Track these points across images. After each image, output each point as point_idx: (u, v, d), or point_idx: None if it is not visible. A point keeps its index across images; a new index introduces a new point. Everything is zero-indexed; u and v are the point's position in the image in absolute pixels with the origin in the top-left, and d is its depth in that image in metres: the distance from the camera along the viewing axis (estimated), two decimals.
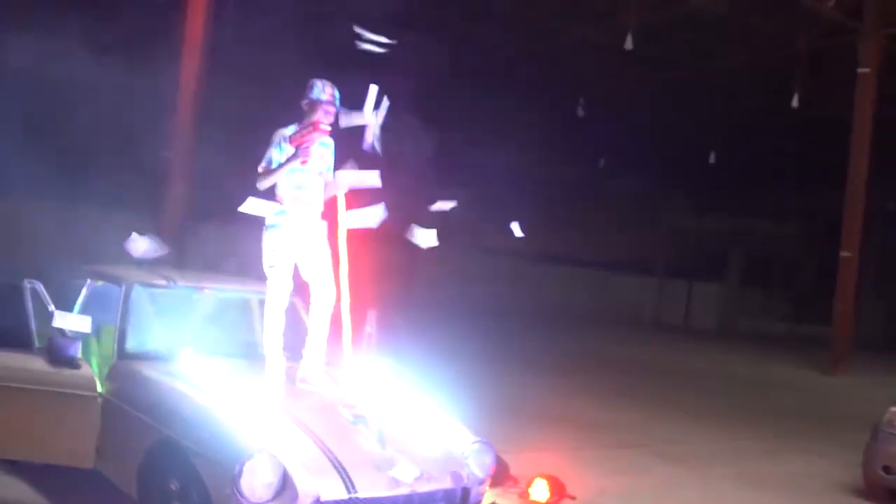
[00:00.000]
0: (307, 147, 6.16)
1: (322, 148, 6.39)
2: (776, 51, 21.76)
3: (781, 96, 21.55)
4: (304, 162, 6.18)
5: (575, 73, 23.13)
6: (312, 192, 6.35)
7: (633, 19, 18.94)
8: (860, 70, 19.65)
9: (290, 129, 6.28)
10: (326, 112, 6.27)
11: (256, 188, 6.28)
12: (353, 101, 6.40)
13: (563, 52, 22.51)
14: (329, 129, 6.28)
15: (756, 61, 22.67)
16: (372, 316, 6.87)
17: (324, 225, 6.41)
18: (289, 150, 6.20)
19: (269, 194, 6.35)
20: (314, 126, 6.19)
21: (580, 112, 23.02)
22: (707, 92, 24.42)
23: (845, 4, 19.61)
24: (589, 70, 22.78)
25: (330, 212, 6.44)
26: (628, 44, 18.25)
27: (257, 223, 6.48)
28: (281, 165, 6.19)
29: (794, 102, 20.44)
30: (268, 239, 6.30)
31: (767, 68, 22.78)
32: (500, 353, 16.12)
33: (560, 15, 21.05)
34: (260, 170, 6.26)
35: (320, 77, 6.42)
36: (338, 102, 6.36)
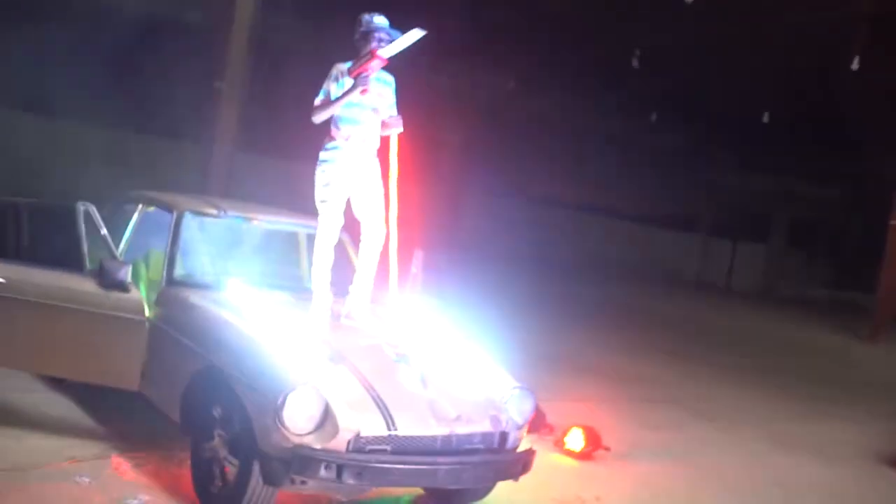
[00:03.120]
0: (366, 77, 6.12)
1: (381, 85, 6.34)
2: (837, 9, 21.30)
3: (839, 57, 21.13)
4: (363, 91, 6.12)
5: (628, 26, 22.79)
6: (368, 128, 6.32)
7: None
8: None
9: (347, 64, 6.23)
10: (380, 40, 6.21)
11: (312, 121, 6.27)
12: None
13: (617, 3, 22.19)
14: (387, 58, 6.21)
15: (815, 19, 22.22)
16: (418, 256, 6.88)
17: (377, 163, 6.40)
18: (348, 83, 6.16)
19: (324, 129, 6.33)
20: (372, 54, 6.14)
21: (634, 63, 22.66)
22: (761, 49, 24.00)
23: None
24: (641, 21, 22.42)
25: (383, 151, 6.43)
26: None
27: (310, 157, 6.48)
28: (339, 98, 6.14)
29: (855, 65, 20.00)
30: (321, 174, 6.29)
31: (826, 27, 22.31)
32: (540, 302, 16.13)
33: None
34: (316, 103, 6.22)
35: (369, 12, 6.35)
36: (390, 30, 6.26)
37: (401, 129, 6.38)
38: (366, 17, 6.29)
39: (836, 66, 21.16)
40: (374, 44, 6.18)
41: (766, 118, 24.81)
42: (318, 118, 6.23)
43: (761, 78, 24.99)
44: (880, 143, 23.44)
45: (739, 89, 25.52)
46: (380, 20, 6.27)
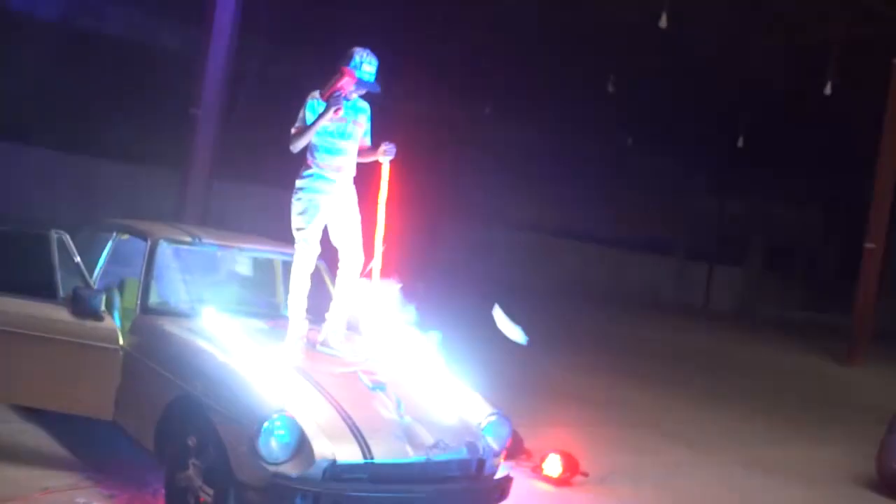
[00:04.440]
0: (339, 96, 6.13)
1: (357, 113, 6.38)
2: (810, 36, 21.52)
3: (812, 82, 21.34)
4: (337, 111, 6.13)
5: (604, 51, 22.96)
6: (344, 156, 6.33)
7: None
8: (895, 60, 19.43)
9: None
10: (349, 82, 6.22)
11: (290, 150, 6.25)
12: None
13: (593, 29, 22.35)
14: (356, 77, 6.20)
15: (789, 45, 22.45)
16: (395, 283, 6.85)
17: (354, 190, 6.40)
18: (321, 108, 6.17)
19: (301, 156, 6.32)
20: (342, 72, 6.15)
21: (610, 88, 22.80)
22: (736, 74, 24.22)
23: None
24: (618, 48, 22.61)
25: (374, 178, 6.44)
26: (663, 22, 18.04)
27: (285, 185, 6.48)
28: (315, 121, 6.13)
29: (827, 90, 20.20)
30: (297, 202, 6.28)
31: (800, 53, 22.54)
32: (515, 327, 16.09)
33: None
34: (293, 131, 6.23)
35: (361, 46, 6.31)
36: (373, 76, 6.27)
37: (393, 157, 6.40)
38: (357, 54, 6.23)
39: (810, 90, 21.36)
40: (346, 64, 6.19)
41: (740, 142, 25.02)
42: (296, 146, 6.22)
43: (737, 102, 25.22)
44: (855, 165, 23.60)
45: (715, 113, 25.73)
46: (368, 69, 6.22)
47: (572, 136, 27.38)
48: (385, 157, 6.41)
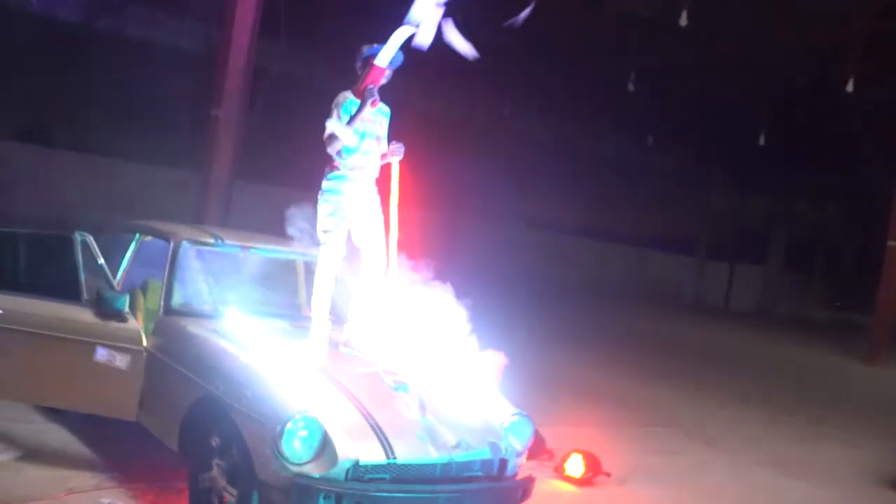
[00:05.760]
0: (373, 88, 6.13)
1: (380, 115, 6.39)
2: (830, 30, 21.39)
3: (832, 77, 21.22)
4: (374, 103, 6.16)
5: (622, 47, 22.88)
6: (370, 157, 6.34)
7: None
8: None
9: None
10: (379, 73, 6.24)
11: (328, 153, 6.26)
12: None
13: (611, 25, 22.28)
14: (387, 65, 6.20)
15: (808, 40, 22.32)
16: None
17: (377, 192, 6.41)
18: (355, 106, 6.17)
19: (324, 156, 6.31)
20: (371, 65, 6.16)
21: (630, 87, 22.73)
22: (756, 70, 24.11)
23: None
24: (636, 44, 22.52)
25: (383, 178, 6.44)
26: (683, 20, 17.97)
27: (306, 186, 6.47)
28: (353, 117, 6.13)
29: (849, 87, 20.07)
30: (324, 203, 6.28)
31: (820, 48, 22.41)
32: (537, 326, 16.11)
33: None
34: (328, 132, 6.19)
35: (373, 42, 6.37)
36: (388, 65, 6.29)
37: (401, 157, 6.40)
38: (364, 46, 6.33)
39: (831, 86, 21.24)
40: (368, 57, 6.24)
41: (761, 139, 24.90)
42: (334, 147, 6.19)
43: (757, 99, 25.09)
44: (876, 161, 23.49)
45: (735, 111, 25.61)
46: (377, 45, 6.29)
47: (592, 134, 27.33)
48: (394, 157, 6.41)
